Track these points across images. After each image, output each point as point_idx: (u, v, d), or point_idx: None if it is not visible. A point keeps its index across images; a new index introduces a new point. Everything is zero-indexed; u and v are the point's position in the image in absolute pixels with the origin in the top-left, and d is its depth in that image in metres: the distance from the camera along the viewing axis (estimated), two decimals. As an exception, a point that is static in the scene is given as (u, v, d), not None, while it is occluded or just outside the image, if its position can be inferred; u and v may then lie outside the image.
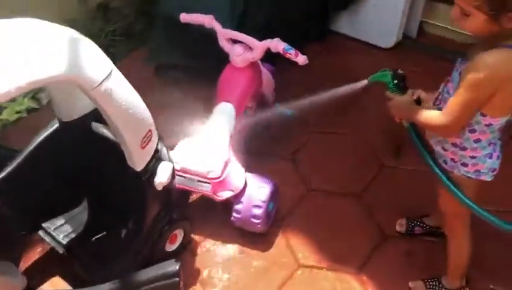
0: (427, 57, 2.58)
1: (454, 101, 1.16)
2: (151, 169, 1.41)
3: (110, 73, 1.19)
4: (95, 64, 1.16)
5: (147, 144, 1.36)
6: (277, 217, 1.81)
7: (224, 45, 1.84)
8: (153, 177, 1.42)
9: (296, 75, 2.18)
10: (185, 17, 1.88)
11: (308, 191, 1.94)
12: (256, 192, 1.69)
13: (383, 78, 1.37)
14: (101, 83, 1.16)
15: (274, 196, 1.74)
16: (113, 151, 1.39)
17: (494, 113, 1.16)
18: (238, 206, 1.69)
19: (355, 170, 2.02)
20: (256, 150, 1.95)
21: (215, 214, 1.80)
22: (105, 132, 1.50)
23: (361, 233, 1.79)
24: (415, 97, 1.33)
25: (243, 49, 1.81)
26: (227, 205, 1.72)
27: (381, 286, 1.62)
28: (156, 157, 1.43)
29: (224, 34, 1.82)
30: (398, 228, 1.77)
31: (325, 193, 1.93)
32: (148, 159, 1.39)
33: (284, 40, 1.73)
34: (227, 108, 1.79)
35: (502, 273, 1.65)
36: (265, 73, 2.01)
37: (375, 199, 1.90)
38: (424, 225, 1.74)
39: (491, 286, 1.62)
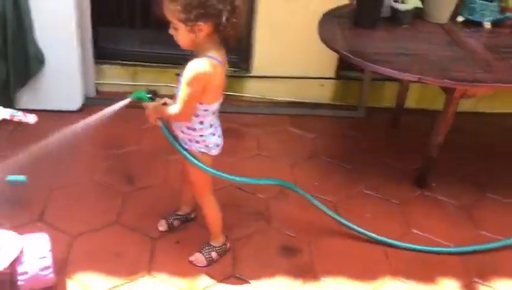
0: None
1: (180, 95, 1.66)
2: None
3: None
4: None
5: None
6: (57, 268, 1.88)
7: None
8: None
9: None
10: None
11: (73, 237, 2.08)
12: (36, 245, 1.74)
13: (140, 94, 1.76)
14: None
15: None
16: None
17: (207, 100, 1.70)
18: (22, 267, 1.70)
19: (103, 204, 2.28)
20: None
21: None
22: None
23: (134, 245, 2.08)
24: (161, 102, 1.76)
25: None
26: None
27: (171, 271, 1.98)
28: None
29: None
30: (160, 229, 2.15)
31: (88, 232, 2.12)
32: None
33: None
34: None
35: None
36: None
37: (131, 217, 2.22)
38: (179, 216, 2.18)
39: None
